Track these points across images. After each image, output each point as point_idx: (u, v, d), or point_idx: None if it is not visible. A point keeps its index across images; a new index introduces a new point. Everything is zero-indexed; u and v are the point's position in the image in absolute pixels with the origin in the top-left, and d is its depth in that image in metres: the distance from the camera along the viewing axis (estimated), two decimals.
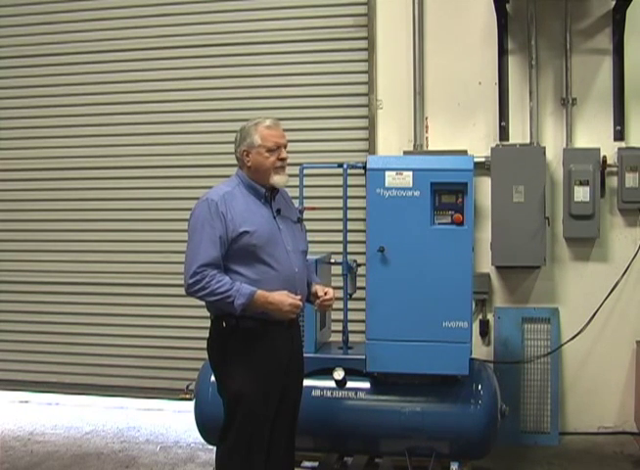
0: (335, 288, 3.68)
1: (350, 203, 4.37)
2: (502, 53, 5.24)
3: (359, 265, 4.36)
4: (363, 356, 4.05)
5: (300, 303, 3.33)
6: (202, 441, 4.30)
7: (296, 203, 4.23)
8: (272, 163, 3.36)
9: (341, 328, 4.35)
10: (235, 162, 3.49)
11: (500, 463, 4.60)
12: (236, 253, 3.26)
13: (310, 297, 3.55)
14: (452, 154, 5.09)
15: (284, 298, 3.24)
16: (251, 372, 3.27)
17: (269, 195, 3.41)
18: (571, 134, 5.15)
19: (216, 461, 3.40)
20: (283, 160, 3.38)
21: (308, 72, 5.61)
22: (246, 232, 3.25)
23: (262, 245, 3.27)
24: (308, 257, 3.66)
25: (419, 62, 5.32)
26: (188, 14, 5.79)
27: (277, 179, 3.38)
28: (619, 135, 5.12)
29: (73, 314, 6.06)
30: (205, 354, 3.48)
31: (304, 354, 3.64)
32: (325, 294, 3.49)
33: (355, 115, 5.56)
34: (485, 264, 5.20)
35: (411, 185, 3.95)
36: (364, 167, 4.07)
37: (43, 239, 6.16)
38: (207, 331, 3.43)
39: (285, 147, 3.41)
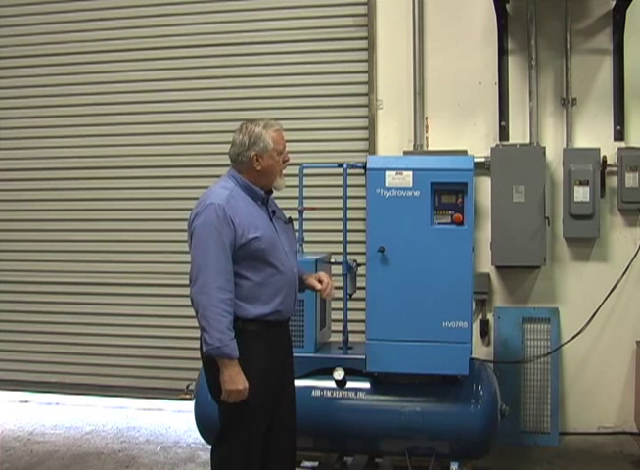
0: (335, 288, 3.68)
1: (350, 203, 4.36)
2: (502, 53, 5.24)
3: (359, 265, 4.34)
4: (363, 356, 4.05)
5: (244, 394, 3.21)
6: (202, 441, 4.31)
7: (296, 203, 4.24)
8: (280, 166, 3.37)
9: (341, 328, 4.34)
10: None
11: (500, 463, 4.60)
12: (244, 257, 3.22)
13: (305, 287, 3.55)
14: (452, 154, 5.09)
15: (240, 386, 3.16)
16: (252, 372, 3.25)
17: (266, 197, 3.39)
18: (571, 134, 5.15)
19: (213, 462, 3.38)
20: (285, 161, 3.39)
21: (308, 72, 5.62)
22: (256, 238, 3.22)
23: (268, 248, 3.26)
24: (309, 256, 3.66)
25: (419, 62, 5.32)
26: (188, 14, 5.80)
27: (280, 183, 3.38)
28: (619, 135, 5.13)
29: (73, 314, 6.06)
30: None
31: (304, 355, 3.64)
32: (321, 282, 3.47)
33: (355, 115, 5.56)
34: (485, 264, 5.20)
35: (411, 185, 3.95)
36: (364, 167, 4.06)
37: (43, 239, 6.15)
38: None
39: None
